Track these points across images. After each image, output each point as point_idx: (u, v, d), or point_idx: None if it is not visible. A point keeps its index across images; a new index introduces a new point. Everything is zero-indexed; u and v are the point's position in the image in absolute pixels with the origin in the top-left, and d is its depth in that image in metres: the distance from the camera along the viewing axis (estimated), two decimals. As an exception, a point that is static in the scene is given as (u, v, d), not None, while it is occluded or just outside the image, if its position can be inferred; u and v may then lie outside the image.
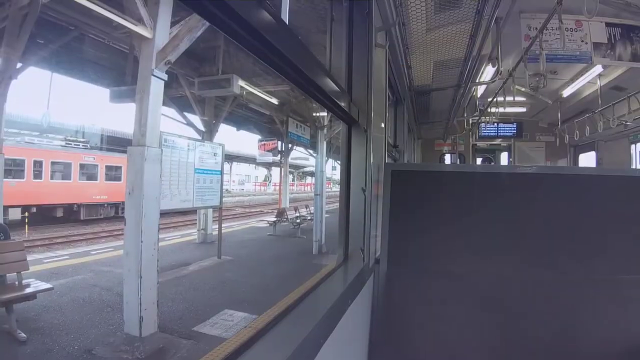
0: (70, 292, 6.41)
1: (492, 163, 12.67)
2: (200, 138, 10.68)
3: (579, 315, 1.91)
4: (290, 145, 16.38)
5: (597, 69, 6.45)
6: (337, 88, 1.61)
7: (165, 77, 5.22)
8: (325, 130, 11.68)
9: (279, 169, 20.58)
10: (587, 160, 10.76)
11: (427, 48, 4.47)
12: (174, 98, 10.87)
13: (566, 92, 8.21)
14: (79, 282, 7.01)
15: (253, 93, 10.14)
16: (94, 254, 9.53)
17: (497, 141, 12.10)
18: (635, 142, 8.52)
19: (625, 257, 1.96)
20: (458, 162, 11.83)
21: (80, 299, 6.14)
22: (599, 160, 9.87)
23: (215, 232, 10.25)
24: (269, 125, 15.37)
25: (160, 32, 5.11)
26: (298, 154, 20.56)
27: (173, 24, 5.32)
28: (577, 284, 1.94)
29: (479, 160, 12.77)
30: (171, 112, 11.36)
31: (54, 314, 5.48)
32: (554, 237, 2.00)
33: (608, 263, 1.96)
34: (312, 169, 15.87)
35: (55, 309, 5.67)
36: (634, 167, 8.40)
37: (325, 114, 11.51)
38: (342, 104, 1.71)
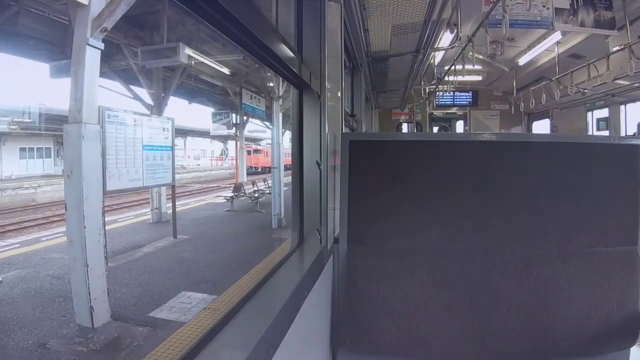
0: (21, 283, 6.04)
1: (449, 131, 12.82)
2: (148, 112, 10.13)
3: (554, 291, 1.83)
4: (245, 118, 15.99)
5: (556, 36, 6.48)
6: (285, 47, 1.40)
7: (102, 45, 4.78)
8: (280, 101, 11.39)
9: (235, 142, 20.17)
10: (541, 128, 11.06)
11: (386, 10, 4.26)
12: (118, 70, 10.23)
13: (522, 60, 8.29)
14: (30, 272, 6.61)
15: (203, 63, 9.70)
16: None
17: (453, 110, 12.27)
18: (592, 109, 8.74)
19: (599, 228, 1.88)
20: (415, 132, 11.90)
21: (32, 290, 5.80)
22: (552, 128, 10.14)
23: (170, 211, 9.88)
24: (223, 97, 14.91)
25: (97, -2, 4.66)
26: (255, 126, 20.20)
27: (111, -13, 4.86)
28: (551, 258, 1.85)
29: (435, 129, 12.92)
30: (116, 85, 10.72)
31: (5, 308, 5.17)
32: (522, 210, 1.89)
33: (581, 235, 1.87)
34: (269, 141, 15.63)
35: (7, 302, 5.36)
36: (590, 134, 8.63)
37: (280, 84, 11.22)
38: (291, 66, 1.49)
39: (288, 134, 15.10)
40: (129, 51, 9.20)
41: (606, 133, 7.90)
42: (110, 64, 9.68)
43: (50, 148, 26.44)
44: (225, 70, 11.04)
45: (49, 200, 17.02)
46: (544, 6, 4.93)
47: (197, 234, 9.63)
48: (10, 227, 11.27)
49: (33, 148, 25.71)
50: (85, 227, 4.44)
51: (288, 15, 1.89)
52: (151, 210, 11.14)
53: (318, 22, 1.92)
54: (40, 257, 7.51)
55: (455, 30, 5.15)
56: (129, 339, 4.54)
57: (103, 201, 4.92)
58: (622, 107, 7.63)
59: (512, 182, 1.90)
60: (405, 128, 12.47)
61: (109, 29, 4.80)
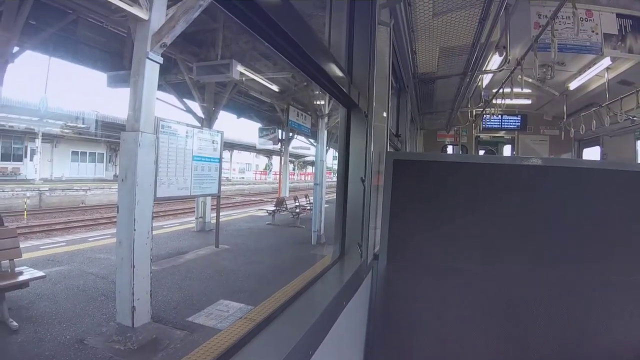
0: (64, 280, 6.33)
1: (495, 155, 12.53)
2: (199, 125, 10.52)
3: (592, 318, 1.78)
4: (290, 134, 16.25)
5: (606, 61, 6.29)
6: (336, 68, 1.47)
7: (161, 60, 5.06)
8: (326, 119, 11.54)
9: (279, 157, 20.47)
10: (592, 155, 10.62)
11: (433, 32, 4.29)
12: (173, 84, 10.74)
13: (573, 85, 8.05)
14: (73, 270, 6.93)
15: (253, 79, 10.00)
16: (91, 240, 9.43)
17: (501, 133, 11.97)
18: None
19: (638, 257, 1.82)
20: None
21: (75, 287, 6.06)
22: (603, 156, 9.73)
23: (214, 221, 10.15)
24: (270, 113, 15.24)
25: (156, 14, 4.94)
26: (299, 143, 20.46)
27: (170, 5, 5.14)
28: (590, 284, 1.81)
29: (481, 153, 12.65)
30: (170, 98, 11.24)
31: (47, 302, 5.39)
32: (564, 235, 1.87)
33: (623, 263, 1.83)
34: (313, 158, 15.77)
35: (48, 297, 5.59)
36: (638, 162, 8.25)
37: (327, 103, 11.37)
38: (341, 85, 1.55)
39: (331, 152, 15.23)
40: (184, 66, 9.64)
41: None
42: (166, 77, 10.16)
43: (103, 153, 27.76)
44: (274, 88, 11.30)
45: (98, 203, 17.85)
46: (593, 31, 4.84)
47: (238, 244, 9.83)
48: (58, 226, 11.91)
49: (85, 152, 27.08)
50: (135, 230, 4.66)
51: (340, 37, 1.97)
52: (195, 218, 11.49)
53: (368, 44, 1.99)
54: (85, 256, 7.89)
55: (504, 53, 5.09)
56: (167, 341, 4.67)
57: (153, 206, 5.12)
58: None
59: (555, 206, 1.89)
60: (450, 150, 12.31)
61: (168, 45, 5.08)
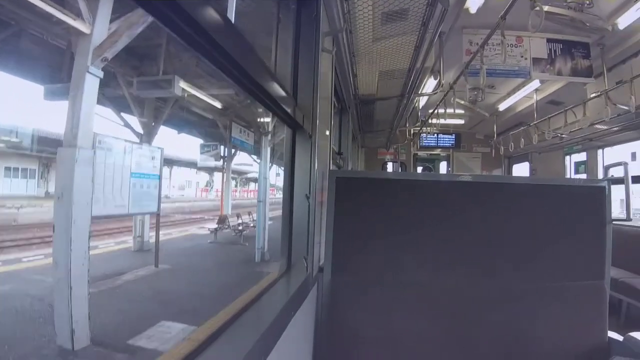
0: (2, 302, 5.99)
1: (432, 172, 13.09)
2: (138, 140, 10.21)
3: (529, 323, 1.97)
4: (233, 151, 16.09)
5: (535, 83, 6.76)
6: (282, 91, 1.56)
7: (101, 74, 4.96)
8: (269, 137, 11.56)
9: (221, 174, 20.16)
10: (521, 170, 11.39)
11: (373, 57, 4.52)
12: (112, 98, 10.32)
13: (502, 106, 8.62)
14: (11, 291, 6.53)
15: (195, 96, 9.87)
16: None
17: (437, 151, 12.56)
18: (570, 153, 9.04)
19: (569, 264, 2.04)
20: (400, 171, 12.13)
21: (13, 309, 5.72)
22: (532, 171, 10.45)
23: (153, 240, 9.81)
24: (212, 129, 15.02)
25: (99, 28, 4.84)
26: (242, 159, 20.27)
27: (114, 19, 5.05)
28: (525, 291, 2.00)
29: (419, 169, 13.17)
30: (108, 112, 10.79)
31: None
32: (498, 247, 2.05)
33: (553, 270, 2.03)
34: (256, 174, 15.67)
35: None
36: (567, 177, 8.90)
37: (269, 119, 11.42)
38: (287, 109, 1.65)
39: (274, 169, 15.22)
40: (124, 80, 9.35)
41: (584, 176, 8.20)
42: (104, 91, 9.79)
43: (35, 169, 26.06)
44: (217, 104, 11.20)
45: (30, 222, 16.69)
46: (522, 56, 5.22)
47: (178, 264, 9.55)
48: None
49: (18, 168, 25.33)
50: (71, 250, 4.49)
51: (285, 61, 2.08)
52: (133, 238, 11.03)
53: (312, 69, 2.11)
54: (21, 277, 7.41)
55: (439, 78, 5.41)
56: (107, 365, 4.48)
57: (90, 225, 4.94)
58: (599, 152, 7.93)
59: (490, 220, 2.07)
60: (390, 167, 12.71)
61: (109, 59, 4.98)
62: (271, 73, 1.50)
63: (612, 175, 2.12)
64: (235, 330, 1.29)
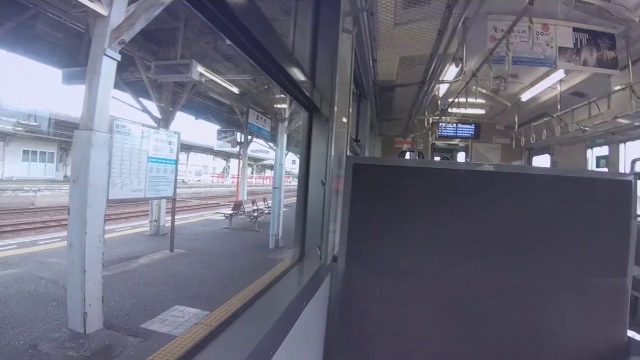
0: (15, 284, 6.09)
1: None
2: (155, 125, 10.25)
3: (543, 319, 1.88)
4: (249, 137, 16.10)
5: (559, 74, 6.57)
6: (300, 73, 1.49)
7: (119, 57, 4.91)
8: (286, 123, 11.50)
9: (237, 160, 20.22)
10: (541, 163, 11.15)
11: (394, 42, 4.41)
12: (130, 82, 10.39)
13: (525, 96, 8.41)
14: (25, 274, 6.65)
15: (213, 80, 9.84)
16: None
17: (455, 141, 12.36)
18: (592, 147, 8.82)
19: (590, 260, 1.94)
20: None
21: (26, 291, 5.84)
22: (552, 164, 10.22)
23: (169, 224, 9.89)
24: (229, 115, 15.07)
25: (117, 10, 4.78)
26: (258, 146, 20.28)
27: (131, 1, 5.00)
28: (542, 286, 1.91)
29: (437, 159, 12.99)
30: (126, 96, 10.86)
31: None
32: (516, 239, 1.96)
33: (573, 266, 1.93)
34: (272, 162, 15.67)
35: (0, 301, 5.41)
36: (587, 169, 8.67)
37: (286, 106, 11.36)
38: (305, 90, 1.57)
39: (290, 156, 15.20)
40: (142, 64, 9.37)
41: (605, 170, 7.97)
42: (122, 75, 9.84)
43: (54, 153, 26.55)
44: (234, 89, 11.17)
45: (48, 205, 17.05)
46: (547, 45, 5.05)
47: (193, 249, 9.62)
48: (8, 228, 11.29)
49: (36, 152, 25.86)
50: (86, 233, 4.48)
51: (304, 42, 1.99)
52: (150, 222, 11.15)
53: (331, 50, 2.02)
54: (36, 259, 7.55)
55: (461, 65, 5.27)
56: (120, 348, 4.52)
57: (105, 209, 4.95)
58: (621, 146, 7.72)
59: (507, 212, 1.97)
60: (407, 156, 12.58)
61: (126, 42, 4.93)
62: (289, 53, 1.44)
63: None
64: (247, 319, 1.25)
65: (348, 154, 2.93)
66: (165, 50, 8.86)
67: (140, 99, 10.92)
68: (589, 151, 8.97)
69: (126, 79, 10.22)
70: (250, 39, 1.02)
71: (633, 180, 1.98)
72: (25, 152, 25.32)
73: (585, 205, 1.97)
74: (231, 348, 1.07)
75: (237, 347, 1.05)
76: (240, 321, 1.23)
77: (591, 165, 8.84)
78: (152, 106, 10.98)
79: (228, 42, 1.03)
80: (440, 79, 6.22)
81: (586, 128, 7.48)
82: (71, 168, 4.83)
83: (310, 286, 1.65)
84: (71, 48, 8.70)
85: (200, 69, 8.49)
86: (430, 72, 5.44)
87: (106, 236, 5.41)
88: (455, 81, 6.21)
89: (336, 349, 1.94)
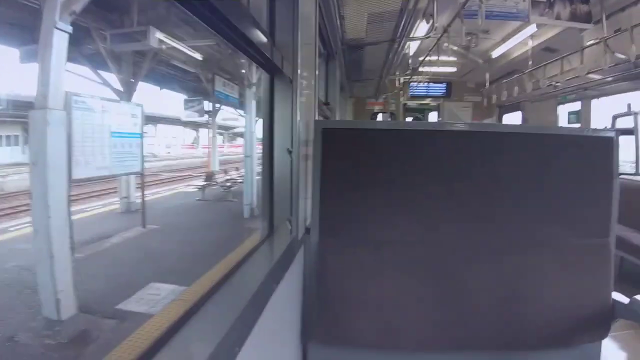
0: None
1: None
2: (117, 98, 9.82)
3: (525, 281, 1.85)
4: (217, 105, 15.72)
5: (530, 29, 6.54)
6: (256, 29, 1.34)
7: (70, 29, 4.67)
8: (254, 89, 11.23)
9: (207, 130, 19.82)
10: (512, 120, 11.26)
11: (362, -4, 4.23)
12: (88, 55, 9.86)
13: (496, 53, 8.39)
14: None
15: (174, 48, 9.44)
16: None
17: (427, 101, 12.36)
18: (563, 103, 8.88)
19: (571, 220, 1.90)
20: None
21: (-1, 281, 5.65)
22: (524, 121, 10.31)
23: (140, 200, 9.65)
24: (195, 83, 14.60)
25: (66, -21, 4.50)
26: (228, 114, 19.89)
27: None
28: (521, 248, 1.87)
29: (409, 119, 12.97)
30: (85, 70, 10.34)
31: None
32: (495, 201, 1.90)
33: (553, 226, 1.89)
34: (243, 129, 15.51)
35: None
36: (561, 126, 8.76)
37: (254, 71, 11.05)
38: (263, 49, 1.42)
39: (261, 122, 14.98)
40: (98, 35, 8.88)
41: (577, 126, 8.06)
42: (79, 49, 9.35)
43: (18, 135, 25.62)
44: (197, 56, 10.81)
45: (17, 189, 16.50)
46: None
47: (167, 223, 9.44)
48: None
49: (1, 136, 24.91)
50: (50, 217, 4.34)
51: (258, -5, 1.82)
52: (119, 199, 10.87)
53: (291, 5, 1.86)
54: (7, 247, 7.29)
55: (431, 21, 5.14)
56: (97, 332, 4.44)
57: (69, 190, 4.75)
58: (594, 101, 7.80)
59: (483, 172, 1.90)
60: (380, 118, 12.51)
61: (77, 12, 4.67)
62: (243, 7, 1.28)
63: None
64: (220, 299, 1.18)
65: (317, 118, 2.79)
66: (120, 18, 8.40)
67: (100, 71, 10.41)
68: (560, 107, 9.05)
69: (83, 52, 9.70)
70: None
71: (615, 137, 1.91)
72: (-9, 136, 24.39)
73: (565, 164, 1.90)
74: (205, 330, 1.01)
75: (211, 329, 0.99)
76: (213, 301, 1.16)
77: (563, 122, 8.94)
78: (112, 78, 10.51)
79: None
80: (411, 35, 6.08)
81: (558, 84, 7.51)
82: (29, 150, 4.63)
83: (283, 261, 1.57)
84: (28, 26, 8.20)
85: (159, 35, 8.10)
86: (400, 29, 5.30)
87: (76, 217, 5.21)
88: (426, 38, 6.08)
89: (314, 324, 1.89)
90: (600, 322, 1.86)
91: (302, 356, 1.97)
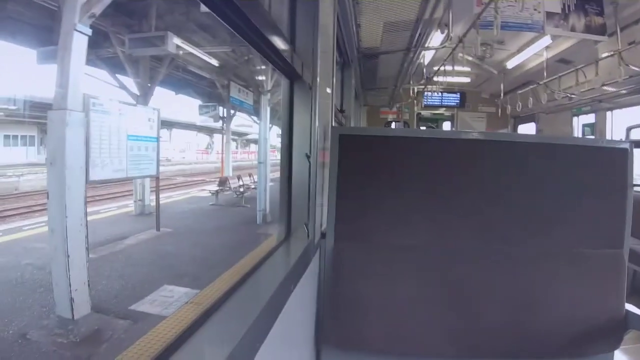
0: (1, 273, 5.92)
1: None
2: (134, 102, 9.96)
3: (538, 291, 1.84)
4: (232, 111, 15.84)
5: (545, 40, 6.51)
6: (277, 35, 1.37)
7: (89, 31, 4.74)
8: (268, 96, 11.29)
9: (221, 135, 19.95)
10: (527, 131, 11.17)
11: (378, 6, 4.27)
12: (106, 59, 10.02)
13: (511, 64, 8.35)
14: (10, 261, 6.46)
15: (191, 53, 9.57)
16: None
17: (441, 110, 12.31)
18: (578, 115, 8.80)
19: (584, 230, 1.89)
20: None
21: (13, 280, 5.67)
22: (538, 132, 10.23)
23: (154, 203, 9.75)
24: (210, 89, 14.76)
25: (86, -17, 4.59)
26: (242, 120, 20.02)
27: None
28: (535, 258, 1.86)
29: (422, 129, 12.94)
30: (103, 74, 10.50)
31: None
32: (509, 209, 1.90)
33: (565, 236, 1.88)
34: (256, 136, 15.58)
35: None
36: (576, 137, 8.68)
37: (269, 78, 11.13)
38: (284, 54, 1.45)
39: (275, 129, 15.07)
40: (116, 38, 9.03)
41: (592, 138, 7.97)
42: (97, 52, 9.51)
43: (34, 136, 25.99)
44: (214, 62, 10.93)
45: (32, 189, 16.72)
46: (535, 9, 4.94)
47: (180, 227, 9.51)
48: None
49: (17, 136, 25.29)
50: (67, 217, 4.40)
51: (281, 5, 1.85)
52: (134, 202, 10.97)
53: (311, 14, 1.89)
54: (21, 246, 7.34)
55: (446, 31, 5.15)
56: (110, 332, 4.46)
57: (85, 190, 4.82)
58: (608, 114, 7.71)
59: (499, 181, 1.90)
60: (393, 127, 12.50)
61: (97, 15, 4.75)
62: (266, 13, 1.32)
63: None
64: (236, 303, 1.18)
65: (333, 125, 2.82)
66: (139, 23, 8.54)
67: (117, 75, 10.56)
68: (575, 119, 8.96)
69: (101, 55, 9.86)
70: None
71: (629, 148, 1.90)
72: (7, 137, 24.73)
73: (579, 174, 1.90)
74: (221, 333, 1.01)
75: (228, 332, 0.99)
76: (228, 305, 1.15)
77: (577, 133, 8.85)
78: (129, 82, 10.65)
79: (203, 7, 0.92)
80: (426, 45, 6.09)
81: (573, 95, 7.45)
82: (47, 150, 4.71)
83: (299, 265, 1.58)
84: (45, 27, 8.36)
85: (176, 40, 8.22)
86: (415, 39, 5.33)
87: (91, 218, 5.28)
88: (441, 47, 6.08)
89: (328, 327, 1.89)
90: (612, 333, 1.84)
91: (316, 359, 1.97)
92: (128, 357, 3.90)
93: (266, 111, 11.27)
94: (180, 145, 42.85)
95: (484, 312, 1.83)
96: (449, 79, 7.73)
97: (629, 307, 1.86)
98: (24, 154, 25.20)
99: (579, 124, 8.89)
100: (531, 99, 8.24)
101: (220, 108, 15.89)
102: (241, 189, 13.67)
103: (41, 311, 4.76)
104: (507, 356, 1.87)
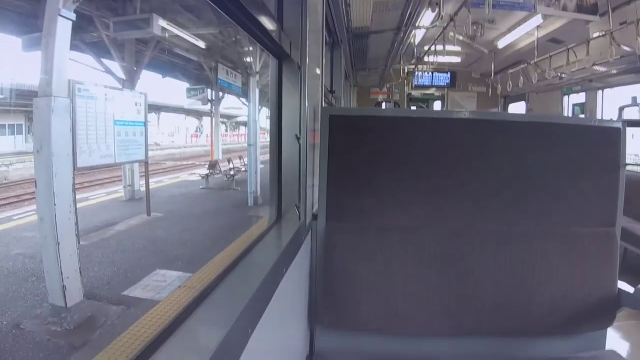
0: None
1: None
2: (120, 86, 9.80)
3: (531, 269, 1.85)
4: (220, 94, 15.67)
5: (537, 19, 6.50)
6: (265, 13, 1.33)
7: (73, 16, 4.64)
8: (257, 77, 11.18)
9: (210, 118, 19.76)
10: (517, 110, 11.20)
11: (368, -17, 4.20)
12: (91, 44, 9.82)
13: (502, 43, 8.34)
14: (1, 251, 6.44)
15: (177, 35, 9.40)
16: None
17: (431, 90, 12.30)
18: (568, 94, 8.81)
19: (577, 208, 1.90)
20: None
21: (4, 269, 5.69)
22: (528, 111, 10.27)
23: (144, 188, 9.68)
24: (198, 72, 14.56)
25: (69, -34, 4.47)
26: (231, 102, 19.84)
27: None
28: (528, 236, 1.87)
29: (413, 109, 12.93)
30: (88, 59, 10.30)
31: None
32: (500, 188, 1.90)
33: (559, 215, 1.89)
34: (246, 118, 15.39)
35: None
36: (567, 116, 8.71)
37: (257, 60, 11.00)
38: (271, 33, 1.41)
39: (264, 111, 14.95)
40: (101, 23, 8.83)
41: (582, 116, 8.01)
42: (82, 37, 9.31)
43: (22, 124, 25.63)
44: (201, 44, 10.75)
45: (21, 178, 16.54)
46: None
47: (171, 211, 9.49)
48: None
49: (5, 125, 24.91)
50: (55, 205, 4.34)
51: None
52: (123, 187, 10.89)
53: None
54: (12, 235, 7.28)
55: (437, 9, 5.09)
56: (103, 318, 4.49)
57: (74, 177, 4.77)
58: (599, 93, 7.74)
59: (490, 160, 1.90)
60: (383, 107, 12.48)
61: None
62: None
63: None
64: (228, 287, 1.18)
65: (323, 106, 2.79)
66: (123, 6, 8.35)
67: (103, 60, 10.36)
68: (565, 98, 8.98)
69: (86, 39, 9.66)
70: None
71: (621, 127, 1.91)
72: (-6, 126, 24.35)
73: (571, 153, 1.90)
74: (215, 316, 1.02)
75: (221, 315, 1.00)
76: (221, 288, 1.16)
77: (567, 112, 8.89)
78: (115, 66, 10.47)
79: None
80: (417, 24, 6.03)
81: (563, 75, 7.46)
82: (34, 138, 4.65)
83: (291, 247, 1.58)
84: (30, 13, 8.16)
85: (161, 23, 8.05)
86: (406, 18, 5.26)
87: (80, 205, 5.23)
88: (432, 27, 6.05)
89: (321, 308, 1.90)
90: (605, 310, 1.86)
91: (310, 339, 1.99)
92: (122, 342, 3.91)
93: (255, 93, 11.18)
94: (169, 129, 42.45)
95: (477, 291, 1.84)
96: (440, 59, 7.70)
97: (622, 284, 1.88)
98: (12, 143, 24.87)
99: (569, 103, 8.90)
100: (522, 78, 8.25)
101: (209, 90, 15.71)
102: (231, 172, 13.60)
103: (34, 300, 4.76)
104: (501, 334, 1.90)
